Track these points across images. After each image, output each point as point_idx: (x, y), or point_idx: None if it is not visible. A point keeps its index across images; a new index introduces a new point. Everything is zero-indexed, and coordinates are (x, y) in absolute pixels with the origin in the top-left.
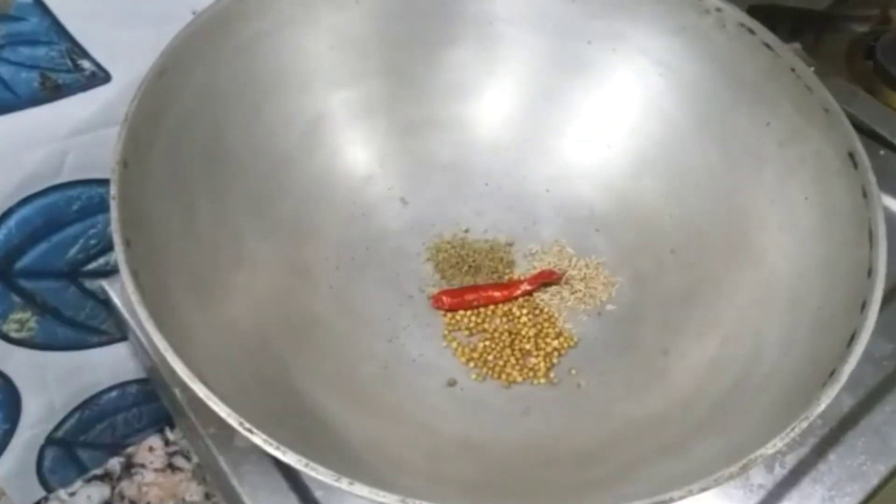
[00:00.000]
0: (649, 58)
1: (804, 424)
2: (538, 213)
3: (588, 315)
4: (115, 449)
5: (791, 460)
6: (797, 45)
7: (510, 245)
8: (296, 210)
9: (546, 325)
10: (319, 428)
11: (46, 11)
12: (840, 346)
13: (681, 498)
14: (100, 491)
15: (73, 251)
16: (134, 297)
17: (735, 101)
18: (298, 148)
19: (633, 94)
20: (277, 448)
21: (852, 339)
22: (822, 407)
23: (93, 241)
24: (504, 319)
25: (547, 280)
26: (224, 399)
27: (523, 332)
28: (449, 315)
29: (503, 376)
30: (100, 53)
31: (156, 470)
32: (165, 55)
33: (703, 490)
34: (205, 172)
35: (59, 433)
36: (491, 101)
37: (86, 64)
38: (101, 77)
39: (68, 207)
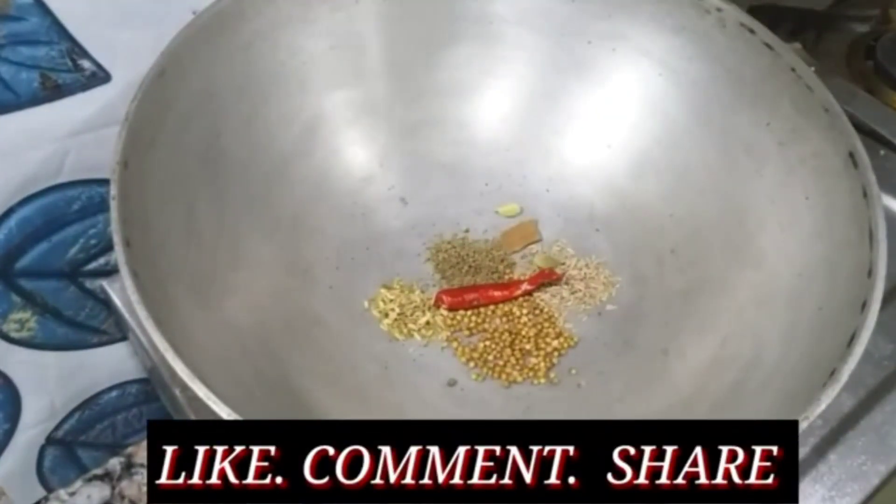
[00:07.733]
0: (649, 58)
1: (804, 424)
2: (538, 213)
3: (588, 315)
4: (115, 449)
5: None
6: (797, 45)
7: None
8: (296, 210)
9: (546, 325)
10: None
11: (46, 11)
12: (840, 346)
13: None
14: (100, 491)
15: (73, 251)
16: (134, 297)
17: (735, 100)
18: (298, 148)
19: (633, 94)
20: None
21: (853, 339)
22: (822, 407)
23: (93, 241)
24: (504, 319)
25: (547, 280)
26: (224, 399)
27: (523, 332)
28: (449, 315)
29: (503, 376)
30: (100, 53)
31: None
32: (165, 55)
33: None
34: (204, 172)
35: (59, 433)
36: (491, 100)
37: (86, 64)
38: (101, 77)
39: (68, 207)
